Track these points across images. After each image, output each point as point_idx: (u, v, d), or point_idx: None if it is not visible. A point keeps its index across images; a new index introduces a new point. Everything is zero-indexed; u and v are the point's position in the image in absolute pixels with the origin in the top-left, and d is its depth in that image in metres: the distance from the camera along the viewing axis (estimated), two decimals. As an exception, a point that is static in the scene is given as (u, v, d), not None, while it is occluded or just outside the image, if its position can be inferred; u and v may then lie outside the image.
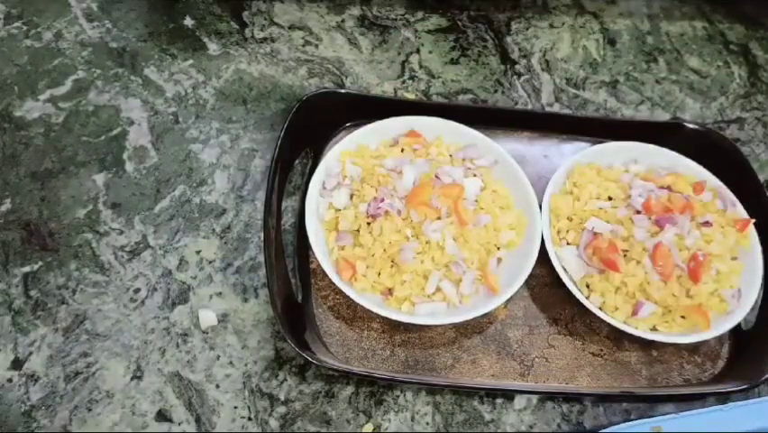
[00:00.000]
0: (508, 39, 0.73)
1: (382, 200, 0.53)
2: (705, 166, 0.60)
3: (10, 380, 0.49)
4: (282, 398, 0.50)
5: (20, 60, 0.65)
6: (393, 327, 0.53)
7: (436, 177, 0.55)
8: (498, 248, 0.55)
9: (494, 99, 0.69)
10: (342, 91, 0.66)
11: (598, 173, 0.60)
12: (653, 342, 0.52)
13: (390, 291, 0.52)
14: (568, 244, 0.56)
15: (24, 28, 0.67)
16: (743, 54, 0.77)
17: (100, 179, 0.59)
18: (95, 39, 0.68)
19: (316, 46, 0.70)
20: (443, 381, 0.51)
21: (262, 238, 0.54)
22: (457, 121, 0.60)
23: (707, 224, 0.56)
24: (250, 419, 0.49)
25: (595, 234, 0.55)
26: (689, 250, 0.54)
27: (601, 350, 0.54)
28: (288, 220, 0.58)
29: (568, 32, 0.75)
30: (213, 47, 0.69)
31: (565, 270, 0.54)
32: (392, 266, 0.52)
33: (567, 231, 0.56)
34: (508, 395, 0.51)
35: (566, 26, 0.76)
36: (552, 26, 0.76)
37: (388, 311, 0.51)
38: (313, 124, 0.60)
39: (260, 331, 0.52)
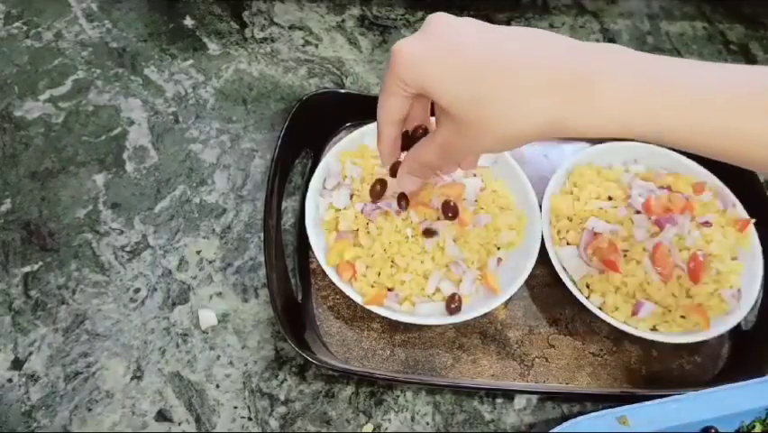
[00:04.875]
0: (508, 39, 0.73)
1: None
2: (705, 166, 0.60)
3: (10, 380, 0.49)
4: (282, 398, 0.50)
5: (20, 60, 0.65)
6: (393, 326, 0.53)
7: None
8: (498, 248, 0.55)
9: (494, 99, 0.69)
10: (342, 91, 0.66)
11: (599, 173, 0.60)
12: (653, 342, 0.52)
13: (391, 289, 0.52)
14: (568, 244, 0.56)
15: (24, 28, 0.67)
16: (743, 54, 0.77)
17: (100, 179, 0.59)
18: (95, 39, 0.68)
19: (316, 46, 0.70)
20: (443, 381, 0.51)
21: (262, 238, 0.54)
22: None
23: (707, 224, 0.56)
24: (250, 419, 0.49)
25: (595, 234, 0.55)
26: (689, 250, 0.54)
27: (601, 350, 0.54)
28: (287, 220, 0.58)
29: (568, 32, 0.75)
30: (213, 47, 0.69)
31: (565, 270, 0.54)
32: (392, 266, 0.52)
33: (567, 231, 0.56)
34: (508, 395, 0.51)
35: (566, 26, 0.76)
36: (552, 26, 0.76)
37: (388, 311, 0.51)
38: (313, 124, 0.60)
39: (260, 331, 0.52)
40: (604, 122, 0.36)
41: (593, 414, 0.45)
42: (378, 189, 0.53)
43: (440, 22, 0.38)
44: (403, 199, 0.52)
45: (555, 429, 0.44)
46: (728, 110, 0.36)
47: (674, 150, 0.61)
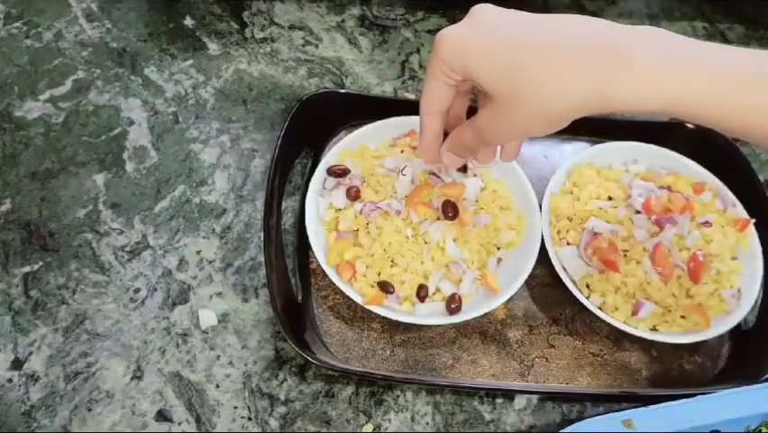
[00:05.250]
0: (508, 39, 0.73)
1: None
2: (705, 166, 0.60)
3: (10, 380, 0.49)
4: (282, 398, 0.50)
5: (20, 60, 0.65)
6: (393, 326, 0.53)
7: (435, 175, 0.55)
8: (498, 248, 0.55)
9: (494, 99, 0.68)
10: (342, 91, 0.66)
11: (598, 173, 0.60)
12: (653, 342, 0.52)
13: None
14: (568, 244, 0.56)
15: (24, 28, 0.67)
16: (743, 54, 0.77)
17: (100, 179, 0.59)
18: (95, 39, 0.68)
19: (316, 46, 0.70)
20: (443, 381, 0.51)
21: (262, 238, 0.54)
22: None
23: (707, 224, 0.56)
24: (250, 419, 0.49)
25: (595, 234, 0.55)
26: (689, 250, 0.54)
27: (601, 350, 0.54)
28: (287, 220, 0.58)
29: (568, 32, 0.75)
30: (213, 47, 0.69)
31: (565, 270, 0.54)
32: (392, 266, 0.52)
33: (567, 231, 0.56)
34: (508, 395, 0.51)
35: (566, 26, 0.76)
36: (552, 26, 0.76)
37: (388, 311, 0.51)
38: (313, 124, 0.60)
39: (260, 331, 0.52)
40: (641, 96, 0.36)
41: (597, 417, 0.45)
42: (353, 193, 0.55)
43: (483, 9, 0.39)
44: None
45: (560, 432, 0.44)
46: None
47: (674, 150, 0.61)
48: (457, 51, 0.39)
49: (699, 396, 0.46)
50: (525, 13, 0.39)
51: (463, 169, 0.56)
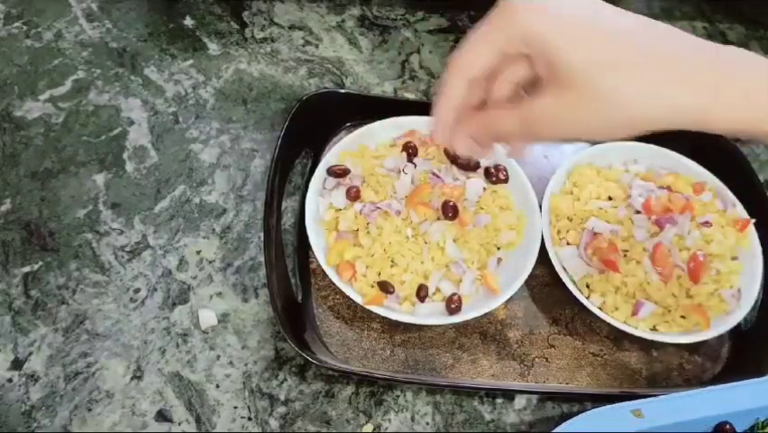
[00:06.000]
0: (508, 39, 0.73)
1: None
2: (705, 166, 0.60)
3: (10, 380, 0.49)
4: (282, 398, 0.50)
5: (20, 60, 0.65)
6: (393, 326, 0.53)
7: (436, 176, 0.55)
8: (498, 248, 0.55)
9: (494, 99, 0.68)
10: (342, 91, 0.66)
11: (598, 173, 0.60)
12: (653, 342, 0.52)
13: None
14: (568, 244, 0.56)
15: (24, 28, 0.67)
16: (743, 54, 0.77)
17: (100, 179, 0.59)
18: (95, 39, 0.68)
19: (316, 46, 0.70)
20: (443, 381, 0.51)
21: (262, 238, 0.54)
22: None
23: (707, 224, 0.56)
24: (250, 419, 0.49)
25: (595, 234, 0.55)
26: (689, 250, 0.54)
27: (601, 350, 0.54)
28: (287, 220, 0.58)
29: (568, 32, 0.75)
30: (213, 47, 0.69)
31: (565, 270, 0.54)
32: (392, 266, 0.52)
33: (567, 231, 0.56)
34: (508, 395, 0.51)
35: (566, 26, 0.76)
36: (552, 26, 0.76)
37: (388, 311, 0.51)
38: (313, 124, 0.60)
39: (260, 331, 0.52)
40: (742, 115, 0.34)
41: (607, 406, 0.44)
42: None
43: None
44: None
45: (570, 421, 0.44)
46: None
47: (674, 150, 0.61)
48: (540, 19, 0.34)
49: (709, 387, 0.46)
50: (608, 4, 0.35)
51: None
